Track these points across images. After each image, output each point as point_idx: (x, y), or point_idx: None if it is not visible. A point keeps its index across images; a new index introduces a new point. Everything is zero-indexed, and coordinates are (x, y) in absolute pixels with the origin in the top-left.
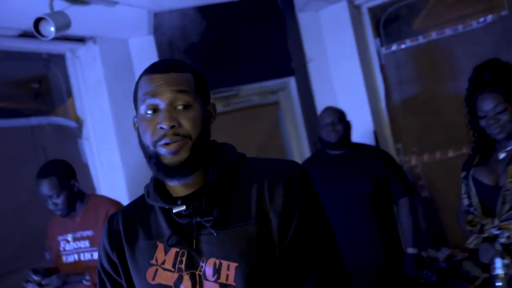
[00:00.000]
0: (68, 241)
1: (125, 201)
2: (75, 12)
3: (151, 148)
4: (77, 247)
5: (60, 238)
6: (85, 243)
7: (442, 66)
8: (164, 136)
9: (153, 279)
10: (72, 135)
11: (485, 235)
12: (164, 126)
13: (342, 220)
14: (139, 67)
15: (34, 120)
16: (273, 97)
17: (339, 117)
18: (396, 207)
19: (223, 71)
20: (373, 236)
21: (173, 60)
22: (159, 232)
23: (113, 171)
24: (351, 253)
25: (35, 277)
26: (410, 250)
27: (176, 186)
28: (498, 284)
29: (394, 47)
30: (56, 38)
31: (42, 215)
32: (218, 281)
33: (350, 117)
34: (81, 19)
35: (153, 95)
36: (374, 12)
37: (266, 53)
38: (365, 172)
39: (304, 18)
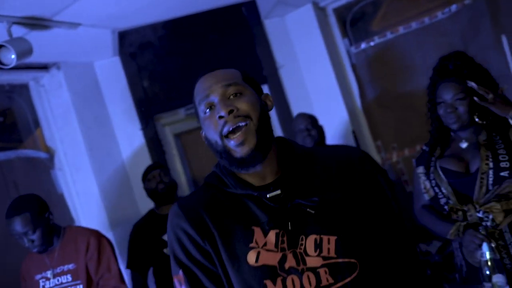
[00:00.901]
0: (48, 279)
1: (105, 230)
2: (36, 38)
3: (219, 142)
4: (59, 283)
5: (38, 277)
6: (67, 277)
7: (412, 59)
8: (225, 123)
9: (256, 261)
10: (44, 166)
11: (465, 223)
12: (223, 113)
13: None
14: (108, 90)
15: (2, 155)
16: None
17: (312, 122)
18: None
19: (194, 86)
20: None
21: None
22: (252, 218)
23: (91, 199)
24: None
25: None
26: None
27: (251, 176)
28: (487, 270)
29: (363, 45)
30: (18, 67)
31: (17, 256)
32: (321, 255)
33: (326, 118)
34: (43, 45)
35: (207, 94)
36: (340, 13)
37: (236, 63)
38: None
39: (271, 25)
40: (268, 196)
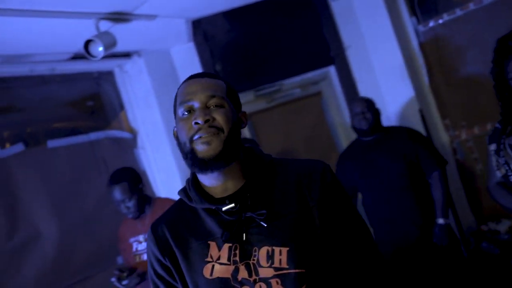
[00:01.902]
0: (140, 242)
1: None
2: (119, 30)
3: (188, 144)
4: None
5: (132, 240)
6: None
7: (483, 36)
8: (199, 130)
9: (211, 274)
10: (129, 145)
11: None
12: (199, 121)
13: (380, 200)
14: (184, 74)
15: (93, 136)
16: (315, 87)
17: (368, 106)
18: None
19: (264, 69)
20: (410, 213)
21: (207, 71)
22: (208, 232)
23: (170, 176)
24: (390, 229)
25: (118, 273)
26: (440, 221)
27: (214, 188)
28: None
29: (431, 24)
30: (105, 57)
31: (109, 224)
32: (273, 265)
33: (393, 98)
34: (125, 36)
35: (189, 98)
36: None
37: (303, 46)
38: (397, 153)
39: (337, 5)
40: (223, 209)
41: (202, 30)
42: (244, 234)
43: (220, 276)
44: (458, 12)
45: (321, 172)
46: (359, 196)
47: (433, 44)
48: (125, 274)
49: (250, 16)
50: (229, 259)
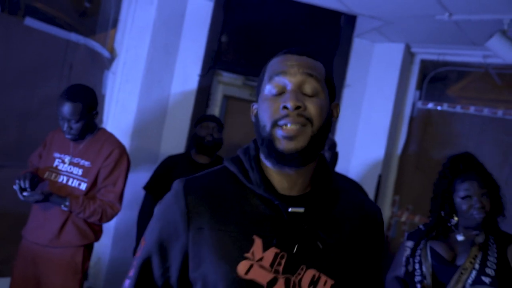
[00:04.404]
0: (64, 162)
1: (125, 142)
2: None
3: (268, 128)
4: (70, 171)
5: (56, 155)
6: (78, 171)
7: (466, 141)
8: (286, 116)
9: (246, 273)
10: (102, 64)
11: None
12: (289, 106)
13: None
14: (189, 27)
15: (73, 36)
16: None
17: (329, 145)
18: None
19: (263, 62)
20: None
21: (309, 48)
22: (257, 223)
23: (126, 112)
24: None
25: (23, 184)
26: None
27: (280, 178)
28: None
29: (430, 105)
30: None
31: (44, 126)
32: None
33: (363, 152)
34: None
35: (283, 73)
36: (425, 65)
37: None
38: None
39: (359, 44)
40: (289, 210)
41: None
42: (296, 246)
43: (255, 279)
44: (458, 108)
45: (381, 221)
46: None
47: (422, 123)
48: (29, 186)
49: (278, 9)
50: (271, 266)
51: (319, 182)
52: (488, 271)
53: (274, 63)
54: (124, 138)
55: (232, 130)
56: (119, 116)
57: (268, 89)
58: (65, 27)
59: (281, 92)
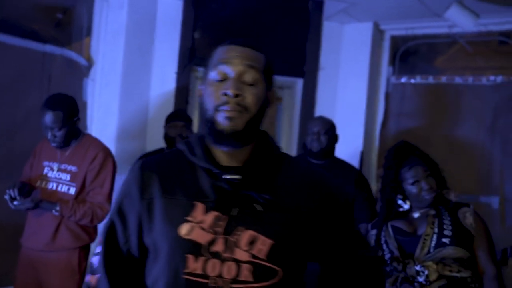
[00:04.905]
0: (52, 169)
1: (111, 146)
2: None
3: (210, 112)
4: (58, 178)
5: (45, 163)
6: (66, 176)
7: (443, 110)
8: (226, 102)
9: (187, 234)
10: (80, 72)
11: (403, 275)
12: (229, 93)
13: None
14: (161, 27)
15: (49, 48)
16: (278, 92)
17: (326, 129)
18: None
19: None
20: None
21: (253, 39)
22: (200, 192)
23: (108, 116)
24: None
25: (12, 193)
26: None
27: (222, 155)
28: None
29: (403, 79)
30: None
31: (31, 138)
32: (251, 251)
33: (343, 132)
34: None
35: (226, 62)
36: (395, 41)
37: (283, 49)
38: None
39: (328, 27)
40: (226, 177)
41: None
42: (235, 210)
43: (194, 239)
44: (430, 79)
45: (331, 186)
46: None
47: (397, 98)
48: (18, 195)
49: (247, 1)
50: (211, 227)
51: (258, 153)
52: (446, 232)
53: (221, 52)
54: (109, 141)
55: None
56: (102, 121)
57: (213, 75)
58: (40, 39)
59: (224, 79)
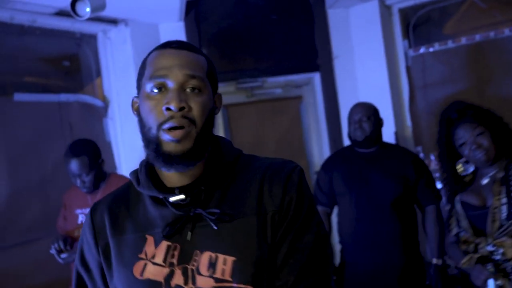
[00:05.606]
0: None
1: None
2: None
3: (154, 131)
4: None
5: (78, 211)
6: None
7: (469, 72)
8: (170, 118)
9: (141, 274)
10: (98, 113)
11: (478, 255)
12: (172, 107)
13: (364, 220)
14: None
15: (63, 97)
16: (297, 91)
17: (368, 114)
18: (422, 214)
19: (249, 62)
20: (393, 242)
21: (187, 41)
22: (148, 224)
23: (134, 151)
24: (370, 256)
25: (58, 246)
26: (435, 261)
27: (171, 175)
28: None
29: (422, 50)
30: (90, 19)
31: (62, 189)
32: (214, 275)
33: None
34: (115, 2)
35: (163, 74)
36: (405, 14)
37: (293, 47)
38: (394, 174)
39: (334, 15)
40: (170, 200)
41: (195, 11)
42: (189, 233)
43: (150, 278)
44: (450, 44)
45: (288, 173)
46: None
47: (419, 70)
48: (64, 246)
49: (246, 7)
50: (164, 260)
51: (211, 166)
52: None
53: (155, 59)
54: None
55: (240, 135)
56: (129, 157)
57: (150, 87)
58: (54, 90)
59: (162, 89)
